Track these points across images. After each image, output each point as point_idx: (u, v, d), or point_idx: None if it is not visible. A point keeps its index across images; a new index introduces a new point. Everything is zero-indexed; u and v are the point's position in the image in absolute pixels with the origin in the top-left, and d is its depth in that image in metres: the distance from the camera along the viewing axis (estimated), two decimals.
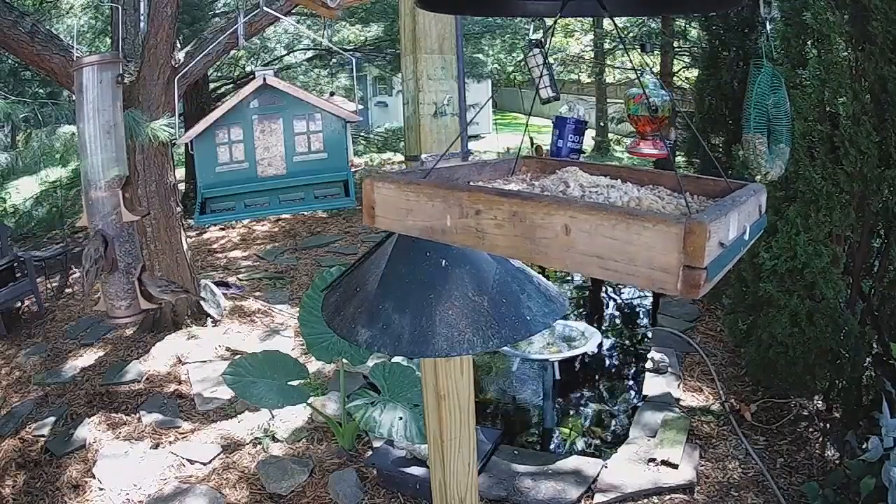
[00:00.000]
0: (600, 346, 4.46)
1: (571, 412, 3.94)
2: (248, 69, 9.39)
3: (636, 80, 1.99)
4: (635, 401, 3.88)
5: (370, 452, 3.31)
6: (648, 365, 4.04)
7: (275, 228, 8.09)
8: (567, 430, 3.73)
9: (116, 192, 1.90)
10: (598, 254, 0.71)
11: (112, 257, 1.88)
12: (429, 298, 1.07)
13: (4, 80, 6.73)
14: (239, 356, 3.92)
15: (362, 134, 10.04)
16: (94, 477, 3.30)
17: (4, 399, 4.14)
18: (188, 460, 3.39)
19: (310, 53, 9.83)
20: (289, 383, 3.23)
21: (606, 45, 11.18)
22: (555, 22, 1.12)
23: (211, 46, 3.92)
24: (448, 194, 0.84)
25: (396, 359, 3.37)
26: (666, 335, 4.45)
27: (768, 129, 1.91)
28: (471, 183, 1.04)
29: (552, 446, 3.61)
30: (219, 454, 3.43)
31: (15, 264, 5.45)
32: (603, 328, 4.95)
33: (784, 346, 3.22)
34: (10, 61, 6.66)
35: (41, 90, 6.89)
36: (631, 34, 9.16)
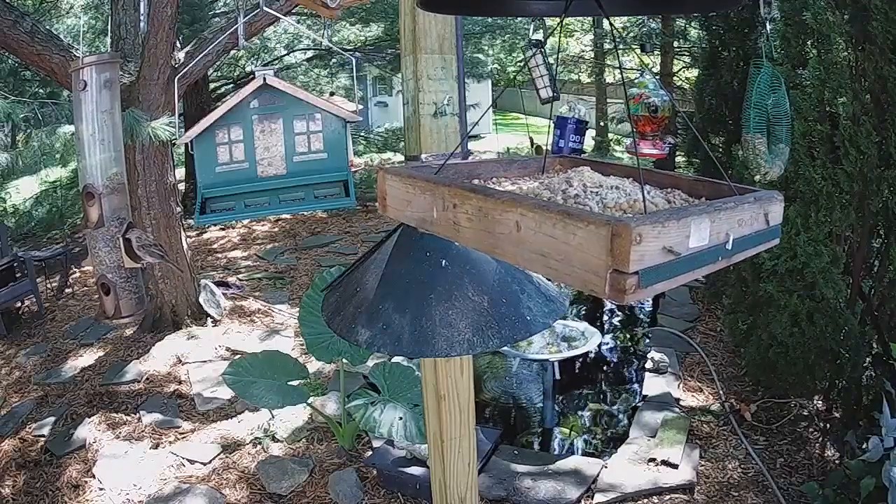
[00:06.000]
0: (600, 346, 4.45)
1: (571, 412, 3.94)
2: (248, 69, 9.38)
3: (635, 80, 2.00)
4: (635, 401, 3.88)
5: (370, 452, 3.31)
6: (648, 365, 4.03)
7: (275, 228, 8.09)
8: (567, 430, 3.73)
9: (119, 189, 1.90)
10: (542, 252, 0.73)
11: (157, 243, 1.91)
12: (429, 298, 1.07)
13: (4, 80, 6.73)
14: (239, 356, 3.92)
15: (362, 134, 10.04)
16: (94, 477, 3.30)
17: (4, 399, 4.14)
18: (188, 460, 3.39)
19: (310, 53, 9.83)
20: (289, 383, 3.23)
21: (606, 45, 11.16)
22: (559, 23, 1.12)
23: (211, 46, 3.92)
24: (434, 189, 0.90)
25: (396, 359, 3.38)
26: (666, 335, 4.45)
27: (768, 129, 1.91)
28: (494, 179, 1.06)
29: (552, 446, 3.60)
30: (219, 454, 3.43)
31: (15, 264, 5.45)
32: (603, 328, 4.95)
33: (784, 346, 3.22)
34: (10, 61, 6.66)
35: (41, 90, 6.89)
36: (631, 34, 9.15)
